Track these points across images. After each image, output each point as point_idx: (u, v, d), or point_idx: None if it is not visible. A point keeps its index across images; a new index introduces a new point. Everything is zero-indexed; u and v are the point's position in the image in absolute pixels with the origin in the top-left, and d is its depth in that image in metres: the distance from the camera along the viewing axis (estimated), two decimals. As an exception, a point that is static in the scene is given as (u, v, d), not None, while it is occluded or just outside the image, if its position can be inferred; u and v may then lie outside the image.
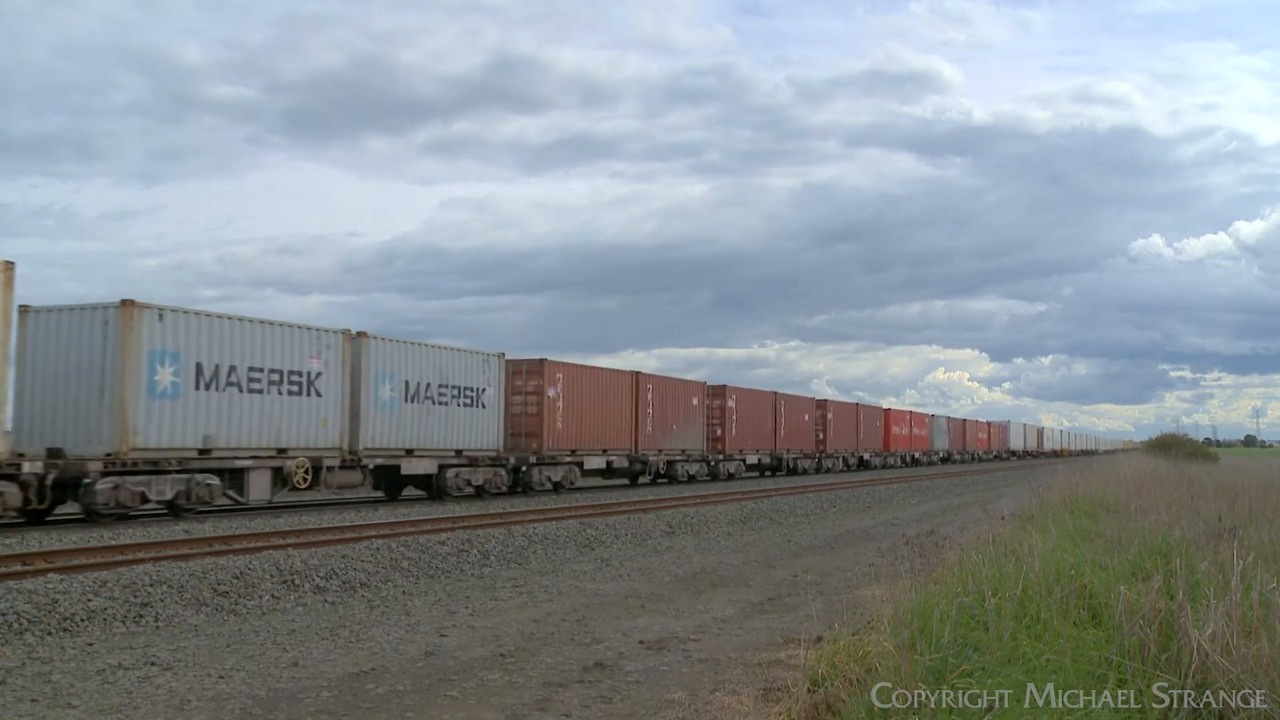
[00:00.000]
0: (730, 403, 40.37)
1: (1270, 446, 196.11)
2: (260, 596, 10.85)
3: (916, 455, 64.79)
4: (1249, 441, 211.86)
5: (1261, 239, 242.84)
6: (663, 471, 35.09)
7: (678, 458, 36.06)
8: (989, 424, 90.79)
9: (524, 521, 18.12)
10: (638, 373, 33.91)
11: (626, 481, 34.92)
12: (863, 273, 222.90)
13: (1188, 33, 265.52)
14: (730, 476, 39.95)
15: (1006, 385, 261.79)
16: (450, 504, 23.84)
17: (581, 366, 30.98)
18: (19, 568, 11.64)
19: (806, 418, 48.98)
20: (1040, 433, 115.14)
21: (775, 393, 45.08)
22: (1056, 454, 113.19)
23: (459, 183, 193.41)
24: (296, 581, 11.48)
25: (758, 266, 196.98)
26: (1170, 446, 60.05)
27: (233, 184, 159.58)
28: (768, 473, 44.18)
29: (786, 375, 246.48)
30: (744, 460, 41.50)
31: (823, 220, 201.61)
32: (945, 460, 72.08)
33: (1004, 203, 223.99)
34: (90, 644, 8.56)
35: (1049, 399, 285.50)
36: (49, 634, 8.78)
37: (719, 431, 39.56)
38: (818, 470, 48.45)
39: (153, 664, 7.81)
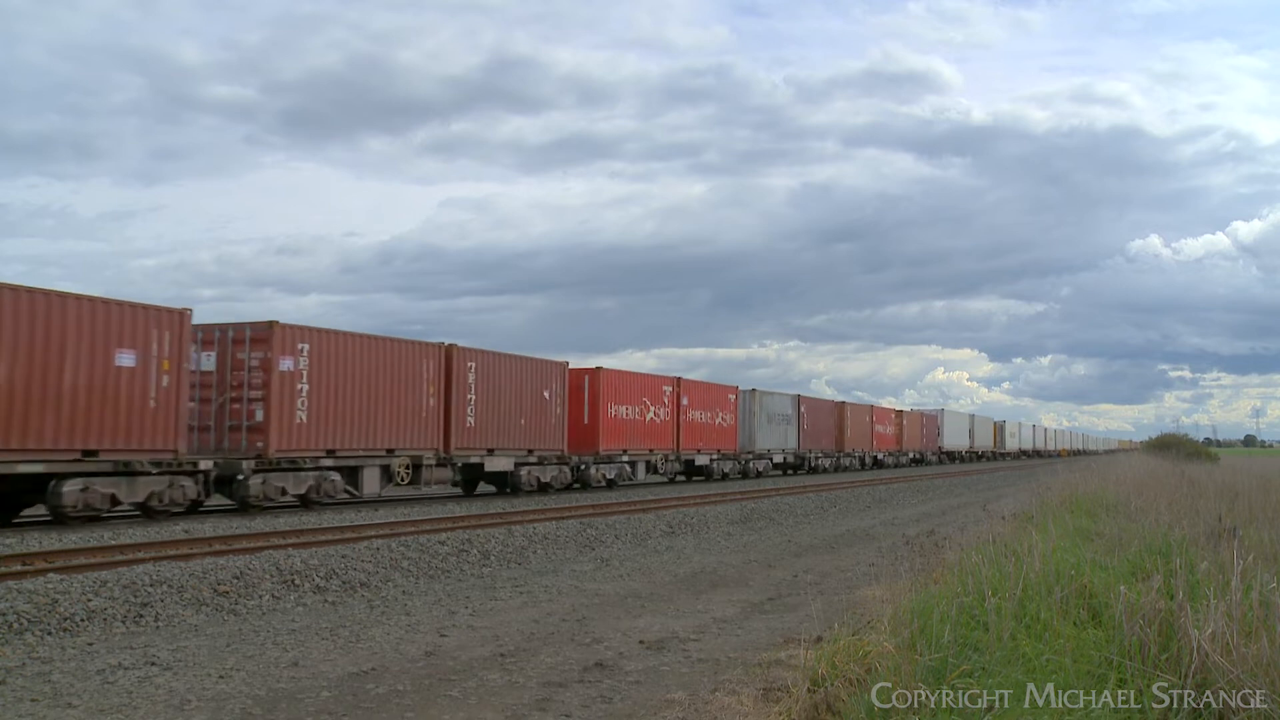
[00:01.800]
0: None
1: (1270, 446, 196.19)
2: (260, 596, 10.84)
3: (707, 459, 37.19)
4: (1249, 441, 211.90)
5: (1260, 239, 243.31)
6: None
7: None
8: (901, 413, 61.92)
9: (524, 521, 18.12)
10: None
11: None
12: (862, 273, 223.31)
13: (1186, 33, 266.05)
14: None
15: (1006, 385, 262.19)
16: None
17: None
18: (19, 568, 11.65)
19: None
20: (999, 429, 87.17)
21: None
22: (1036, 455, 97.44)
23: (458, 183, 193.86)
24: (296, 581, 11.48)
25: (757, 266, 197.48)
26: (1170, 446, 60.14)
27: (231, 184, 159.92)
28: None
29: (786, 375, 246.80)
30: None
31: (821, 220, 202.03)
32: (794, 467, 45.59)
33: (1003, 203, 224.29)
34: (90, 644, 8.56)
35: (1048, 399, 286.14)
36: (49, 634, 8.78)
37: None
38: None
39: (153, 664, 7.81)
